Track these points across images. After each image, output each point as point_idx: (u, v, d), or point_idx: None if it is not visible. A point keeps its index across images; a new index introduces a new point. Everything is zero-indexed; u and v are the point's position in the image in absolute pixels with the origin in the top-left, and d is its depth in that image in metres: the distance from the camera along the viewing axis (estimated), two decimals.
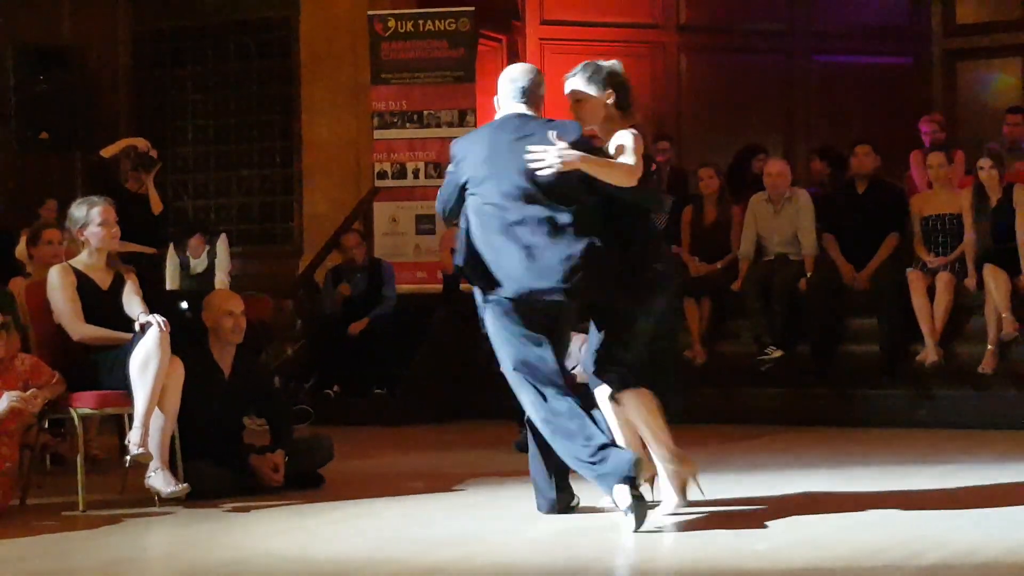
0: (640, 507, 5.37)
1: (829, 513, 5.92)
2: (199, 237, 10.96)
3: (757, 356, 9.82)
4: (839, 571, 4.80)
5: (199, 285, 10.55)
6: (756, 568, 4.90)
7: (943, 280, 9.40)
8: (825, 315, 9.81)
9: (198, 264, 10.92)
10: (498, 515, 6.05)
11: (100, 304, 6.70)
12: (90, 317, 6.66)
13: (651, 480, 5.87)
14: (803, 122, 13.42)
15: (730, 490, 6.63)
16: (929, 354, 9.32)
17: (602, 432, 5.54)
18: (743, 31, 13.50)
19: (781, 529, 5.57)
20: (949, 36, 13.64)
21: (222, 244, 10.96)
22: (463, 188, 5.73)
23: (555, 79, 5.88)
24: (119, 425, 7.24)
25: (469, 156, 5.74)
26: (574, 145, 5.52)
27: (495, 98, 5.85)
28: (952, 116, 12.93)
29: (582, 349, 8.42)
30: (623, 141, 5.65)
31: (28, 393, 6.38)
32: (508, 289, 5.60)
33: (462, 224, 5.74)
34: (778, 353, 9.76)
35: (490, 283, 5.63)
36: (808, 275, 9.92)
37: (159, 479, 6.38)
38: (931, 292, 9.41)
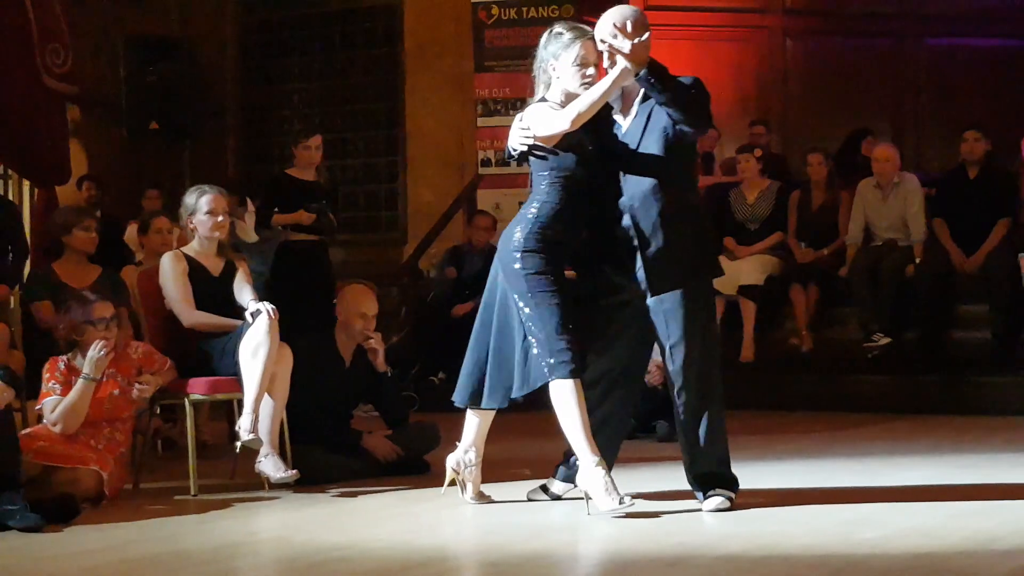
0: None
1: (939, 501, 5.84)
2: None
3: (864, 343, 9.72)
4: (951, 559, 4.73)
5: None
6: (865, 555, 4.85)
7: None
8: (934, 301, 9.67)
9: None
10: None
11: (211, 291, 6.79)
12: (201, 304, 6.76)
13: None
14: (912, 107, 13.20)
15: (836, 478, 6.58)
16: None
17: None
18: (851, 14, 13.31)
19: (890, 517, 5.51)
20: None
21: None
22: None
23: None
24: (229, 411, 7.34)
25: None
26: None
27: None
28: None
29: None
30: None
31: (142, 378, 6.49)
32: None
33: None
34: (886, 340, 9.65)
35: None
36: (917, 261, 9.80)
37: (269, 464, 6.45)
38: None
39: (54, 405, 6.34)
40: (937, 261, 9.78)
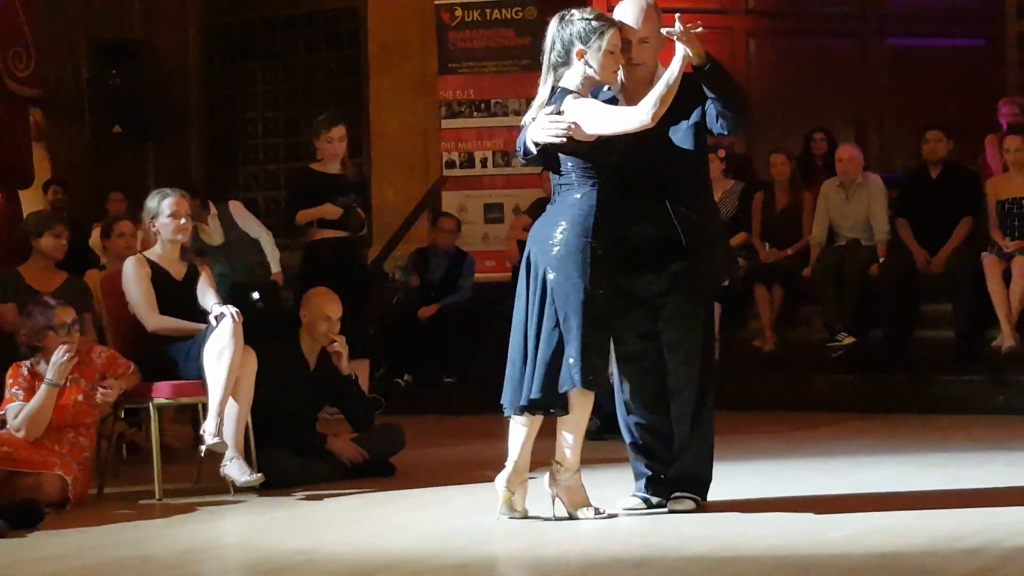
0: None
1: (903, 500, 5.87)
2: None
3: (828, 342, 9.76)
4: (916, 558, 4.75)
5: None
6: (830, 555, 4.87)
7: (1019, 264, 9.26)
8: (898, 300, 9.72)
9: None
10: None
11: (174, 295, 6.76)
12: (164, 308, 6.73)
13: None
14: (875, 107, 13.27)
15: (802, 478, 6.60)
16: (1005, 339, 9.20)
17: None
18: (813, 15, 13.36)
19: (855, 516, 5.53)
20: (1023, 16, 13.42)
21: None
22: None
23: None
24: (194, 415, 7.31)
25: None
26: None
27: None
28: None
29: None
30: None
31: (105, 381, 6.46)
32: None
33: None
34: (850, 339, 9.69)
35: None
36: (881, 260, 9.84)
37: (234, 468, 6.43)
38: (1007, 277, 9.29)
39: (17, 411, 6.30)
40: (900, 261, 9.83)
